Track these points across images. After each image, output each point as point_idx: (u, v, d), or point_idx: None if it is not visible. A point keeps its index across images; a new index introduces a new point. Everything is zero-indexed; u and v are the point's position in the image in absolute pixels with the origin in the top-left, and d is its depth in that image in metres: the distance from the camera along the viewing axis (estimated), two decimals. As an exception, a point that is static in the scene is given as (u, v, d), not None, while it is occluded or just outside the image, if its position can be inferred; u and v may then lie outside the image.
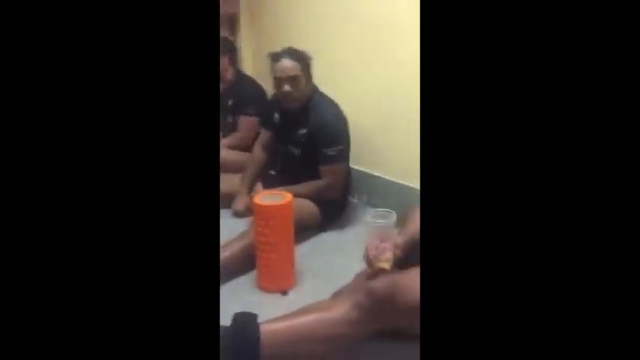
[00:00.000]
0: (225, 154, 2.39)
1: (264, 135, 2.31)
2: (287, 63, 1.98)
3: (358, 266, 1.36)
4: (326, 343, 1.20)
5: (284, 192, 1.70)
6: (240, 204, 2.21)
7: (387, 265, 1.22)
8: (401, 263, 1.24)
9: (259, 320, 1.24)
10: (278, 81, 2.00)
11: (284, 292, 1.65)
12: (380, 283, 1.18)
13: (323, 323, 1.21)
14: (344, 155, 2.06)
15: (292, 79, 1.98)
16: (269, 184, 2.17)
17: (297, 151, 2.09)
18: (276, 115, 2.18)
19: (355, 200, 2.36)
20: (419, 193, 0.91)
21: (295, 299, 1.57)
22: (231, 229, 1.87)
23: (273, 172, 2.28)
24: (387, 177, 2.24)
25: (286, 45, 2.05)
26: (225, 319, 1.32)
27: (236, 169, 2.34)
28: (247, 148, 2.45)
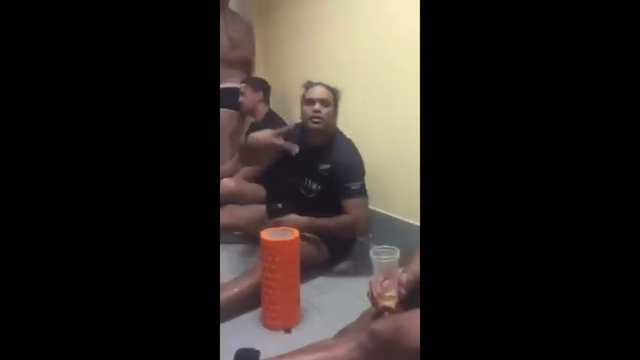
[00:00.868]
0: (242, 185, 2.48)
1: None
2: (320, 88, 2.06)
3: (364, 305, 1.35)
4: (327, 382, 1.18)
5: (291, 228, 1.70)
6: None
7: (391, 304, 1.21)
8: (405, 303, 1.23)
9: (261, 358, 1.23)
10: (309, 102, 2.04)
11: (287, 330, 1.63)
12: (384, 325, 1.17)
13: (325, 363, 1.19)
14: (365, 191, 2.07)
15: (323, 102, 2.03)
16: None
17: (315, 186, 2.10)
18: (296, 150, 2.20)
19: (361, 239, 2.35)
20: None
21: (299, 337, 1.56)
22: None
23: (280, 205, 2.27)
24: (391, 214, 2.25)
25: (300, 85, 2.12)
26: (228, 356, 1.32)
27: (252, 200, 2.40)
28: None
